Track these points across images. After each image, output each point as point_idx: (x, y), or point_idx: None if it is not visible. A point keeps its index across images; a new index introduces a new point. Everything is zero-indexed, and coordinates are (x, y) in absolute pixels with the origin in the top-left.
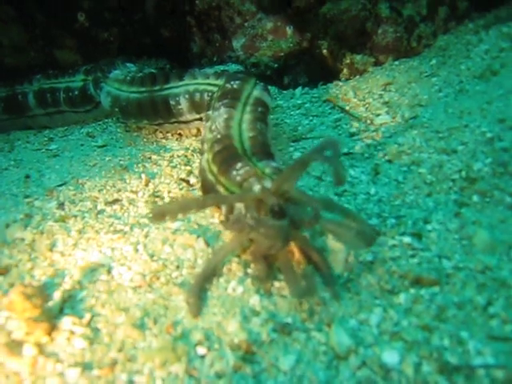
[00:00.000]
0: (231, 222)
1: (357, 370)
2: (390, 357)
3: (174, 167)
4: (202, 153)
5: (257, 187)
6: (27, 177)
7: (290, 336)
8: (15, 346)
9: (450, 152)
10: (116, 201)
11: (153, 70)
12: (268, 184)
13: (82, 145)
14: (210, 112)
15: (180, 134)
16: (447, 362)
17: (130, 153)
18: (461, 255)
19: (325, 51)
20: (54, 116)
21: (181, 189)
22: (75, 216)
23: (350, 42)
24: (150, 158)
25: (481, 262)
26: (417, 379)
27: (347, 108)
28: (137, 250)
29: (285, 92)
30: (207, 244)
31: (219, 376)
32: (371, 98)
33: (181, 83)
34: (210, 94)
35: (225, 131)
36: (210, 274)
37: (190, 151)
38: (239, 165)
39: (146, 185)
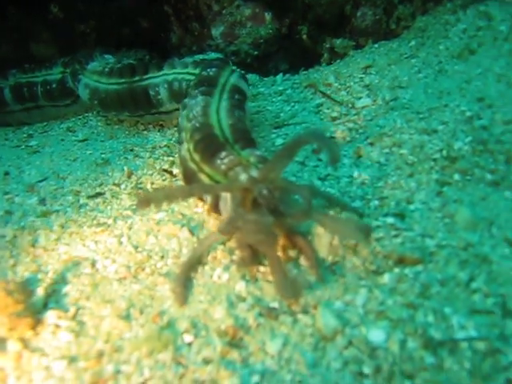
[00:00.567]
0: (224, 225)
1: (343, 349)
2: (376, 335)
3: (157, 158)
4: (180, 142)
5: (243, 176)
6: (6, 174)
7: (277, 320)
8: None
9: (430, 132)
10: (98, 194)
11: (132, 61)
12: (254, 173)
13: (62, 140)
14: (186, 100)
15: (162, 125)
16: (431, 337)
17: (112, 146)
18: (443, 233)
19: (304, 36)
20: (33, 111)
21: (164, 180)
22: (57, 211)
23: (329, 26)
24: (131, 150)
25: (463, 239)
26: (402, 355)
27: (329, 93)
28: (121, 243)
29: (266, 79)
30: (192, 233)
31: (207, 362)
32: (352, 82)
33: (160, 73)
34: (188, 83)
35: (203, 119)
36: (196, 263)
37: (172, 142)
38: (223, 153)
39: (129, 177)
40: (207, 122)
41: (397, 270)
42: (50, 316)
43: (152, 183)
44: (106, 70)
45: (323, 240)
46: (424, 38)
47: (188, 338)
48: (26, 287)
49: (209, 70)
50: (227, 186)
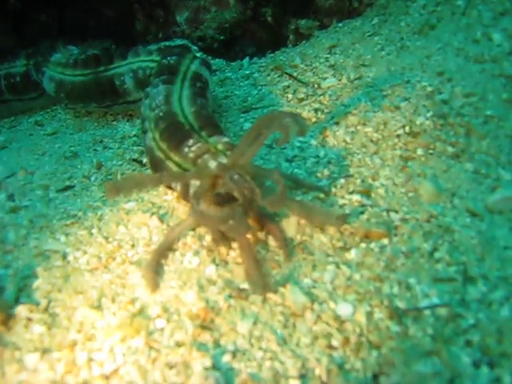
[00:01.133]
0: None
1: (313, 324)
2: (344, 309)
3: (126, 149)
4: (143, 131)
5: (213, 164)
6: None
7: (247, 300)
8: None
9: (393, 109)
10: (68, 187)
11: (96, 52)
12: (224, 160)
13: (31, 134)
14: (148, 89)
15: (131, 115)
16: (397, 307)
17: (81, 138)
18: (408, 207)
19: (269, 18)
20: None
21: (134, 169)
22: (26, 206)
23: (293, 7)
24: (101, 141)
25: (426, 211)
26: (369, 326)
27: (295, 74)
28: (91, 234)
29: (233, 63)
30: (161, 221)
31: (179, 345)
32: (318, 63)
33: (124, 62)
34: (153, 70)
35: (166, 108)
36: (166, 249)
37: (141, 131)
38: (191, 141)
39: (99, 169)
40: (170, 110)
41: (363, 245)
42: (22, 310)
43: (122, 174)
44: (71, 61)
45: (291, 220)
46: (386, 15)
47: (160, 322)
48: None
49: (169, 58)
50: (197, 174)
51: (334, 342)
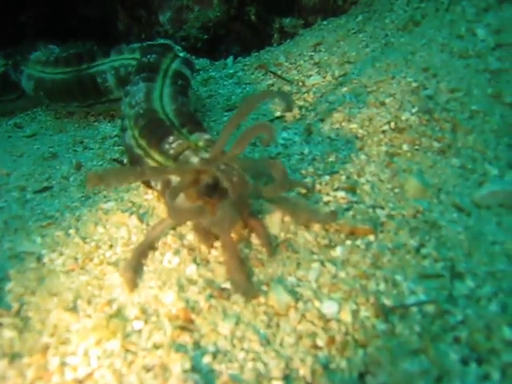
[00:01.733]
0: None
1: (297, 324)
2: (329, 308)
3: (107, 149)
4: (123, 129)
5: (194, 159)
6: None
7: (229, 300)
8: None
9: (378, 105)
10: (46, 188)
11: (79, 50)
12: (205, 155)
13: (9, 137)
14: (128, 87)
15: (113, 116)
16: (383, 304)
17: (61, 139)
18: (394, 203)
19: (253, 17)
20: None
21: None
22: (1, 208)
23: (277, 5)
24: (81, 142)
25: (412, 207)
26: (355, 325)
27: (279, 72)
28: (68, 235)
29: (217, 63)
30: (141, 220)
31: (157, 347)
32: (302, 60)
33: (107, 60)
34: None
35: (146, 105)
36: (147, 249)
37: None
38: (171, 138)
39: (78, 169)
40: (151, 107)
41: (348, 242)
42: None
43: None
44: (51, 59)
45: (274, 217)
46: (370, 13)
47: (138, 324)
48: None
49: (149, 56)
50: (179, 168)
51: (319, 342)
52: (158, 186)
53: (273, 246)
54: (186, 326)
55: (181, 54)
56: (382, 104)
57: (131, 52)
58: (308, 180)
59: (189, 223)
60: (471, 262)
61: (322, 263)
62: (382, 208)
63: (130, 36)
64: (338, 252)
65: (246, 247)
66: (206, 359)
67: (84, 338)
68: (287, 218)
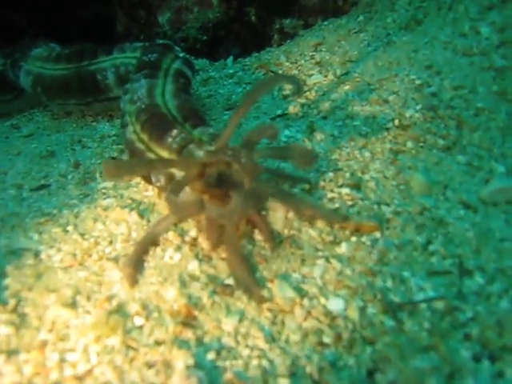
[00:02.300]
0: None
1: (303, 321)
2: (335, 304)
3: (105, 148)
4: (123, 125)
5: (200, 152)
6: None
7: (232, 296)
8: None
9: (382, 102)
10: (43, 186)
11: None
12: (210, 149)
13: (6, 138)
14: (128, 85)
15: (111, 116)
16: (391, 301)
17: (59, 139)
18: (399, 200)
19: (253, 18)
20: None
21: None
22: None
23: (277, 6)
24: (79, 141)
25: (419, 203)
26: (362, 322)
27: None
28: (67, 231)
29: (216, 63)
30: (141, 217)
31: (159, 343)
32: (303, 60)
33: (109, 57)
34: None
35: (149, 100)
36: (149, 245)
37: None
38: (175, 132)
39: (76, 167)
40: (153, 102)
41: (354, 238)
42: None
43: (101, 172)
44: (53, 55)
45: (278, 214)
46: (372, 13)
47: (139, 320)
48: None
49: (149, 55)
50: (185, 161)
51: (326, 339)
52: (159, 182)
53: (276, 242)
54: (189, 323)
55: (180, 55)
56: (386, 101)
57: (133, 50)
58: (311, 176)
59: (191, 220)
60: (480, 258)
61: (327, 260)
62: (388, 205)
63: (128, 37)
64: (343, 248)
65: (250, 243)
66: (210, 356)
67: (83, 334)
68: (291, 215)
